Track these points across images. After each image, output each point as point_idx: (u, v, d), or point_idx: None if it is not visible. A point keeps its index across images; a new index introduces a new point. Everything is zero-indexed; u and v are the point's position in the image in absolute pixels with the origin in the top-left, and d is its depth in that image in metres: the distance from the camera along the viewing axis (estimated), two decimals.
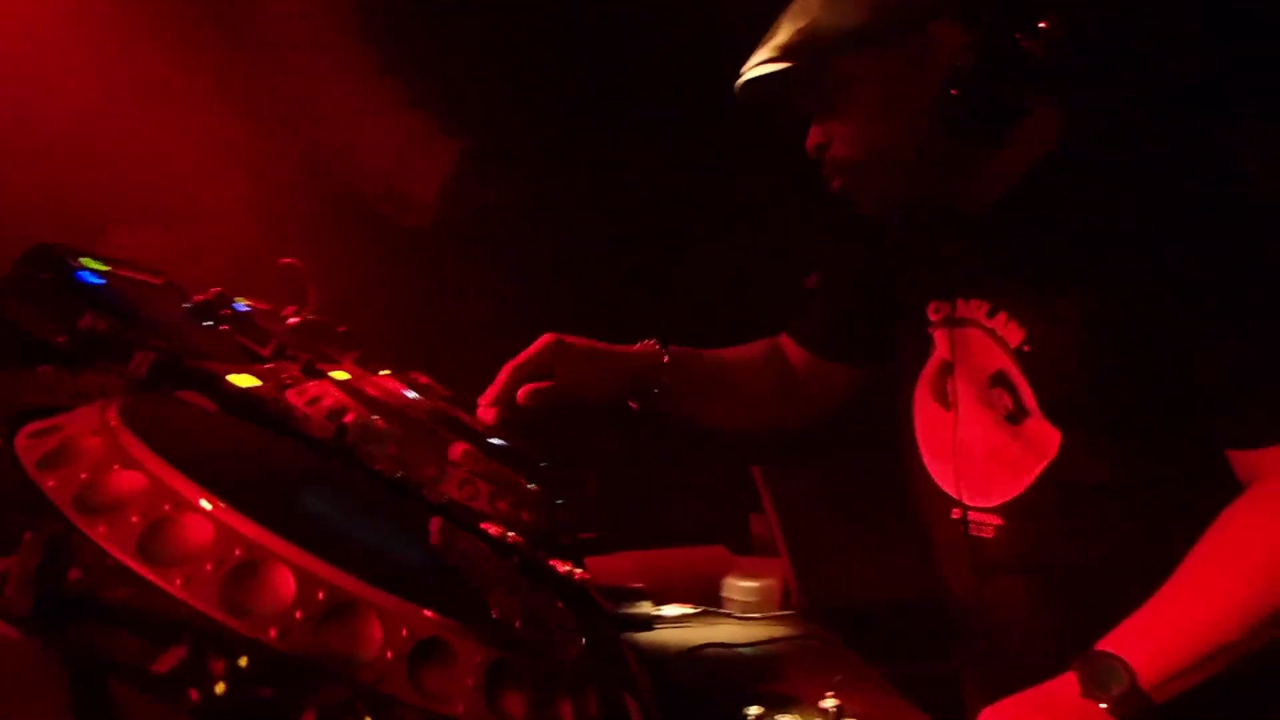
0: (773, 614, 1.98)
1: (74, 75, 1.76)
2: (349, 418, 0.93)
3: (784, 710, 1.40)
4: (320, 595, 0.45)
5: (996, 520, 1.25)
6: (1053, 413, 1.18)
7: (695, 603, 2.05)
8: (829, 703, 1.28)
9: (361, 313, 2.48)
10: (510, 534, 0.87)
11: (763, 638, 1.83)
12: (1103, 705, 1.02)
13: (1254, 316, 1.08)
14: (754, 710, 1.40)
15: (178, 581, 0.43)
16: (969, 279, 1.29)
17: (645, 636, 1.90)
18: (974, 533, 1.29)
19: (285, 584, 0.44)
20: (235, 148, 2.24)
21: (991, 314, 1.26)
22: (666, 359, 1.46)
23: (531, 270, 2.84)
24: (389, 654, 0.44)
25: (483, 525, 0.86)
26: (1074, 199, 1.17)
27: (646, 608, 1.97)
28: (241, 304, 1.42)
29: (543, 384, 1.28)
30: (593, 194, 3.08)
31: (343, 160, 2.92)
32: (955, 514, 1.31)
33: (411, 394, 1.38)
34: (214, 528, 0.46)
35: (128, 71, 1.89)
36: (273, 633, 0.42)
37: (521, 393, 1.27)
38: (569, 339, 1.37)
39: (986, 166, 1.22)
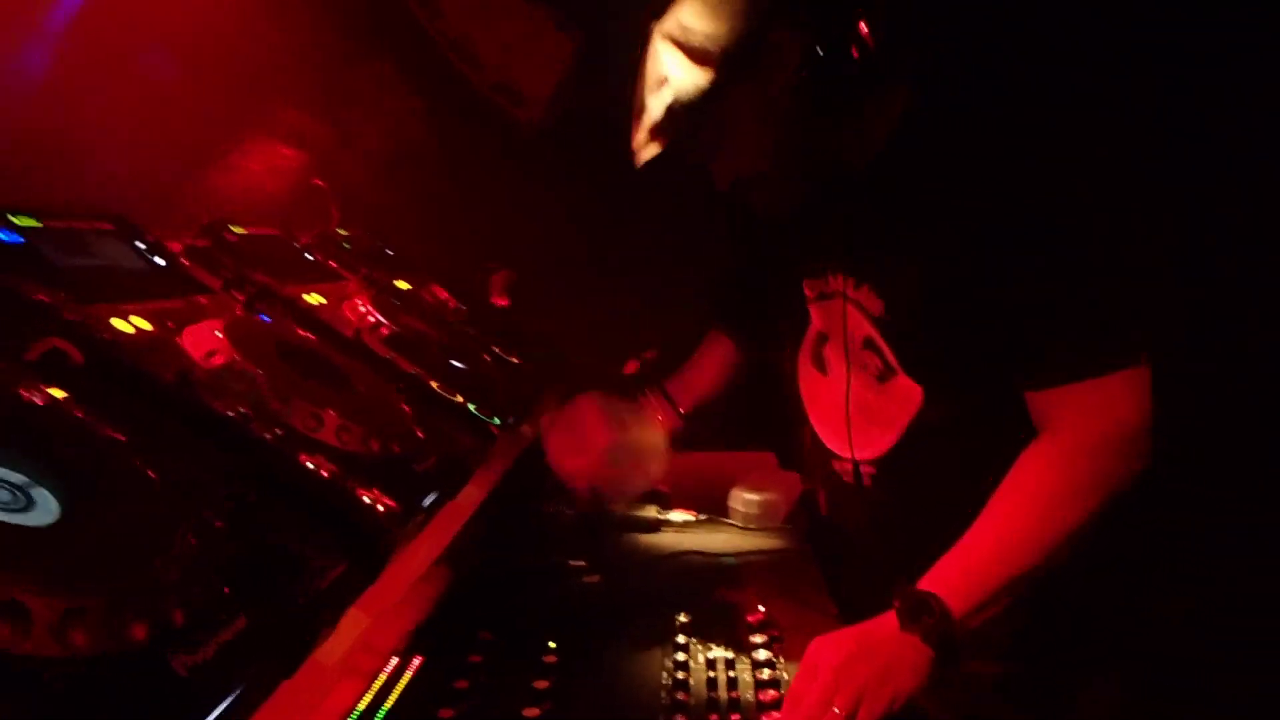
0: (770, 527, 2.05)
1: None
2: (216, 360, 1.08)
3: (714, 618, 1.51)
4: None
5: (872, 470, 1.40)
6: (913, 370, 1.31)
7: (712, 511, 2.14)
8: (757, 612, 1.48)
9: (439, 207, 2.66)
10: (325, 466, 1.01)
11: (748, 549, 1.92)
12: (916, 635, 1.15)
13: (1044, 264, 1.17)
14: (682, 617, 1.52)
15: None
16: (835, 256, 1.41)
17: (646, 539, 2.03)
18: (850, 480, 1.45)
19: None
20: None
21: (857, 287, 1.37)
22: (681, 422, 1.76)
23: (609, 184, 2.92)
24: None
25: (302, 457, 1.00)
26: (913, 169, 1.26)
27: (653, 512, 2.08)
28: (237, 231, 1.59)
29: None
30: None
31: (461, 49, 3.03)
32: (836, 465, 1.47)
33: (378, 319, 1.53)
34: None
35: None
36: None
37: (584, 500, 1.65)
38: (620, 447, 1.65)
39: (850, 145, 1.29)
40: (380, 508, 1.01)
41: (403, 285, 1.96)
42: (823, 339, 1.49)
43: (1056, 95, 1.26)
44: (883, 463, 1.39)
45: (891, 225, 1.31)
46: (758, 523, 2.03)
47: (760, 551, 1.94)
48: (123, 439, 0.85)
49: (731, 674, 1.39)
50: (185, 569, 0.72)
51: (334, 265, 1.79)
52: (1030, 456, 1.21)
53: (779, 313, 1.61)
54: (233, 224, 1.59)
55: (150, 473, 0.80)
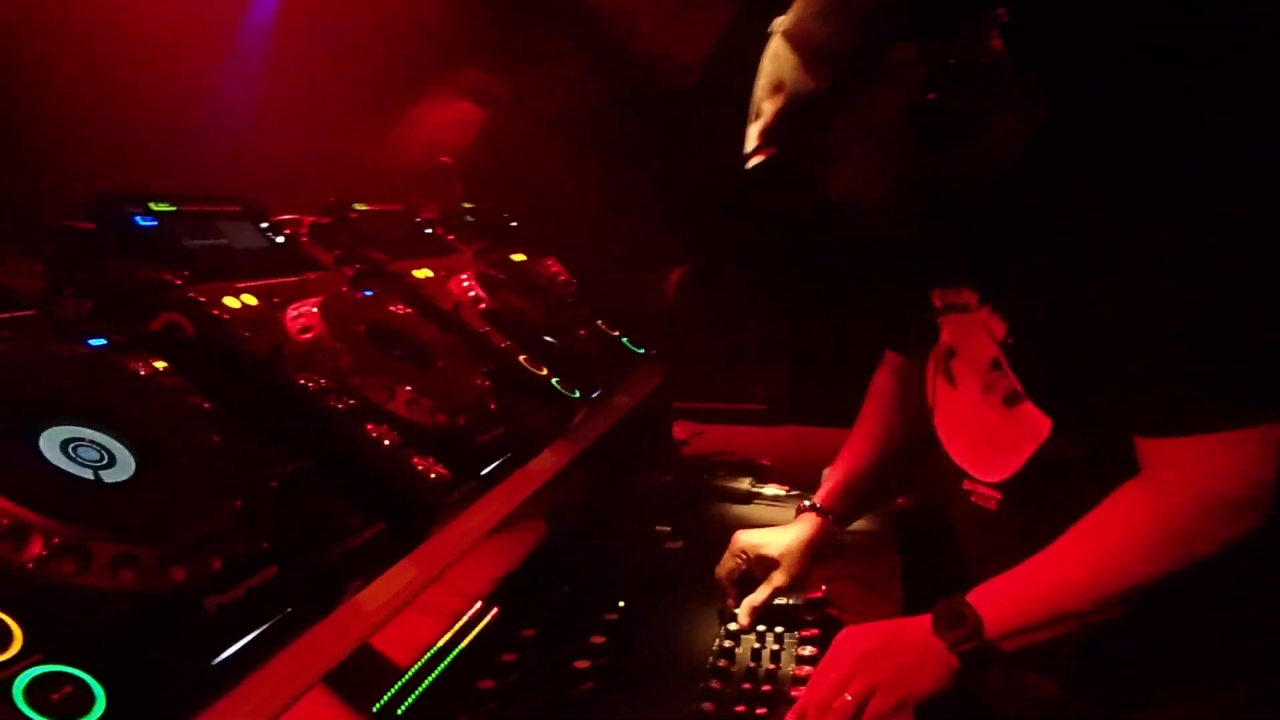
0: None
1: None
2: (309, 335, 1.23)
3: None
4: None
5: (997, 495, 1.35)
6: (1038, 399, 1.25)
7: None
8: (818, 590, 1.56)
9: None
10: (389, 433, 1.14)
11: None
12: (945, 643, 1.17)
13: (1177, 304, 1.12)
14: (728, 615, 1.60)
15: None
16: (961, 269, 1.37)
17: (736, 509, 2.12)
18: (978, 502, 1.39)
19: None
20: None
21: (980, 304, 1.33)
22: (833, 526, 1.65)
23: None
24: None
25: (369, 426, 1.14)
26: (1045, 188, 1.21)
27: (747, 484, 2.17)
28: (360, 208, 1.75)
29: (759, 604, 1.54)
30: None
31: (617, 15, 3.12)
32: (965, 485, 1.41)
33: (479, 293, 1.66)
34: None
35: None
36: None
37: (748, 617, 1.53)
38: (750, 544, 1.60)
39: (971, 162, 1.23)
40: (432, 475, 1.13)
41: (518, 258, 2.09)
42: (951, 352, 1.43)
43: (1214, 121, 1.19)
44: (1008, 489, 1.32)
45: (1019, 245, 1.25)
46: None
47: (844, 532, 1.99)
48: (205, 406, 1.01)
49: (778, 647, 1.47)
50: (231, 526, 0.86)
51: (451, 239, 1.94)
52: (1126, 496, 1.15)
53: (908, 319, 1.57)
54: (357, 202, 1.75)
55: (216, 438, 0.95)
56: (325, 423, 1.12)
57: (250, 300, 1.27)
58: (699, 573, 1.77)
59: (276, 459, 1.01)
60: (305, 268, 1.45)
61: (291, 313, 1.28)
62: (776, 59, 1.23)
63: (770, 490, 2.13)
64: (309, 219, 1.60)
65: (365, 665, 1.13)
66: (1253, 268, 1.11)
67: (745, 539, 1.63)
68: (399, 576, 1.09)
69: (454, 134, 2.95)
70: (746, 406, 2.75)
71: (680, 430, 2.61)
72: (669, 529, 1.93)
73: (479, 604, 1.61)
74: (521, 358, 1.58)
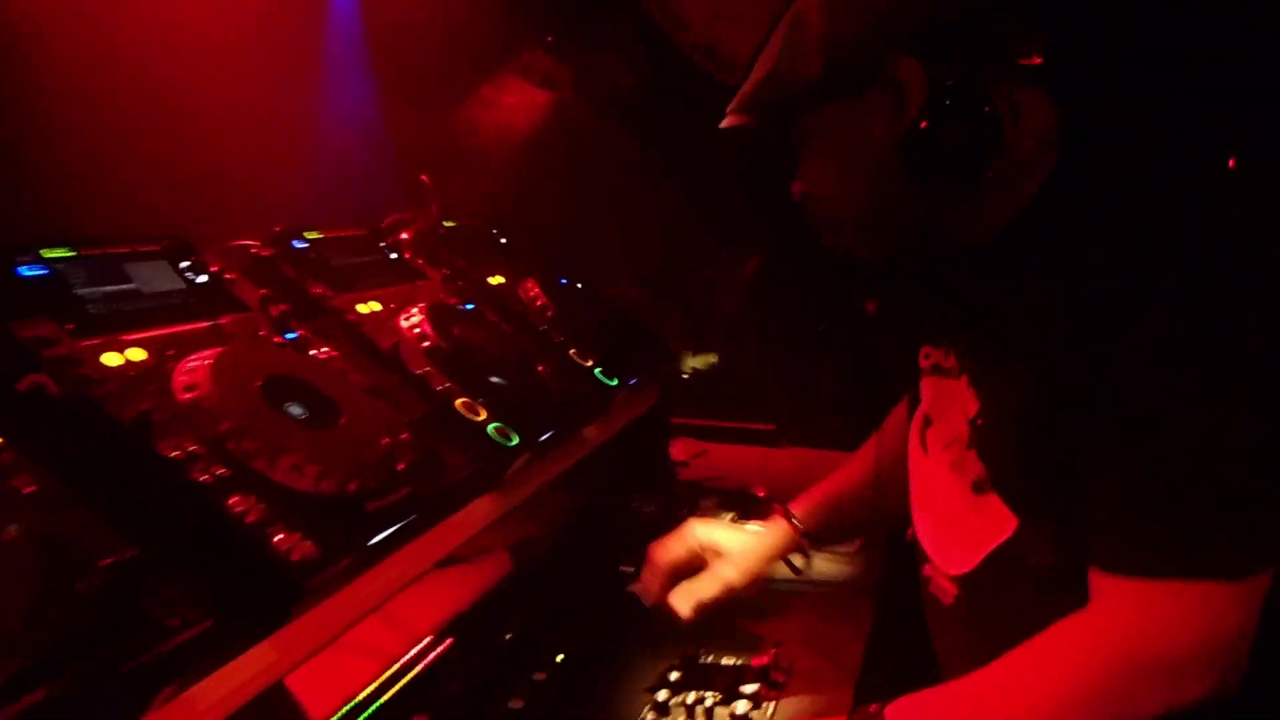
0: (844, 551, 1.98)
1: None
2: (191, 395, 1.18)
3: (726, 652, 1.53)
4: None
5: (954, 589, 1.23)
6: (1001, 492, 1.14)
7: None
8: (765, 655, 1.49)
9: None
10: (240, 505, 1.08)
11: (810, 574, 1.88)
12: None
13: (1153, 432, 0.98)
14: (690, 650, 1.54)
15: None
16: (947, 329, 1.25)
17: None
18: (935, 592, 1.28)
19: None
20: None
21: (959, 374, 1.21)
22: (801, 538, 1.63)
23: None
24: None
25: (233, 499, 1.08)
26: (1039, 263, 1.09)
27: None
28: (310, 236, 1.69)
29: (707, 600, 1.53)
30: None
31: (666, 10, 3.06)
32: (925, 570, 1.32)
33: (422, 330, 1.58)
34: None
35: None
36: None
37: (691, 615, 1.52)
38: (706, 534, 1.58)
39: (967, 213, 1.14)
40: (295, 555, 1.07)
41: (495, 280, 2.01)
42: (928, 420, 1.31)
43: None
44: (965, 585, 1.22)
45: (1003, 316, 1.12)
46: (830, 545, 1.96)
47: (819, 582, 1.89)
48: (26, 490, 0.96)
49: None
50: (14, 636, 0.81)
51: (421, 263, 1.87)
52: (1062, 635, 1.02)
53: (894, 369, 1.47)
54: (308, 229, 1.69)
55: (12, 532, 0.90)
56: (183, 499, 1.06)
57: (137, 355, 1.22)
58: (663, 618, 1.69)
59: (102, 549, 0.96)
60: (222, 311, 1.40)
61: (183, 368, 1.23)
62: (784, 31, 1.14)
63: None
64: (239, 253, 1.55)
65: None
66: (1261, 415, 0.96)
67: (703, 529, 1.58)
68: (253, 663, 1.04)
69: (524, 115, 3.01)
70: (754, 426, 2.64)
71: (681, 449, 2.52)
72: (632, 569, 1.85)
73: (412, 651, 1.56)
74: (459, 401, 1.51)
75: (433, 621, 1.65)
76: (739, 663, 1.53)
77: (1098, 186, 1.08)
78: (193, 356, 1.25)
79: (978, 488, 1.16)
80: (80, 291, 1.26)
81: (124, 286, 1.32)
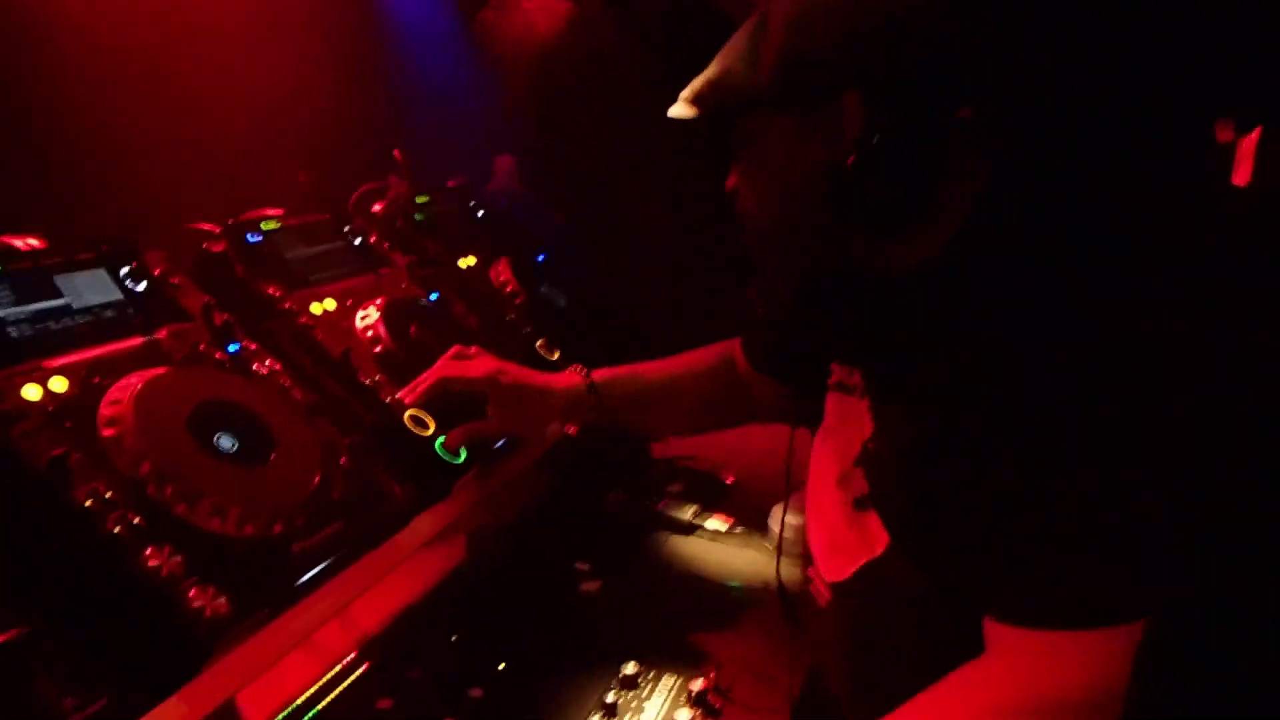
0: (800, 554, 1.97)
1: None
2: (113, 431, 1.15)
3: (667, 667, 1.53)
4: None
5: (828, 594, 1.29)
6: (880, 513, 1.16)
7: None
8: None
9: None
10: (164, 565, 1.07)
11: (766, 578, 1.88)
12: None
13: (1039, 482, 0.98)
14: (629, 668, 1.54)
15: None
16: (858, 349, 1.26)
17: (672, 543, 2.03)
18: (813, 593, 1.34)
19: None
20: None
21: (862, 394, 1.24)
22: (591, 392, 1.63)
23: None
24: None
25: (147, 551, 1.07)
26: (945, 304, 1.10)
27: (689, 514, 2.07)
28: (268, 227, 1.64)
29: (480, 427, 1.55)
30: None
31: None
32: (809, 571, 1.36)
33: (375, 333, 1.54)
34: None
35: None
36: None
37: (458, 437, 1.50)
38: (505, 374, 1.57)
39: (882, 249, 1.14)
40: (208, 611, 1.06)
41: (465, 263, 1.97)
42: (829, 431, 1.33)
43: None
44: (837, 592, 1.26)
45: (902, 349, 1.14)
46: (790, 549, 1.96)
47: (774, 587, 1.88)
48: None
49: None
50: None
51: (386, 248, 1.83)
52: (967, 682, 1.04)
53: (803, 375, 1.47)
54: (268, 217, 1.64)
55: None
56: (91, 556, 1.05)
57: (59, 385, 1.19)
58: (610, 626, 1.70)
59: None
60: (161, 323, 1.36)
61: (108, 399, 1.21)
62: (746, 28, 1.13)
63: (712, 524, 2.03)
64: (210, 246, 1.50)
65: None
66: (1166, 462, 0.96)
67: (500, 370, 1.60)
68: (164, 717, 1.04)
69: (544, 19, 2.91)
70: None
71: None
72: (588, 567, 1.85)
73: (351, 656, 1.58)
74: (408, 415, 1.48)
75: (379, 617, 1.66)
76: (675, 684, 1.53)
77: (1008, 240, 1.07)
78: (118, 385, 1.22)
79: (859, 504, 1.19)
80: (2, 314, 1.22)
81: (53, 303, 1.28)
